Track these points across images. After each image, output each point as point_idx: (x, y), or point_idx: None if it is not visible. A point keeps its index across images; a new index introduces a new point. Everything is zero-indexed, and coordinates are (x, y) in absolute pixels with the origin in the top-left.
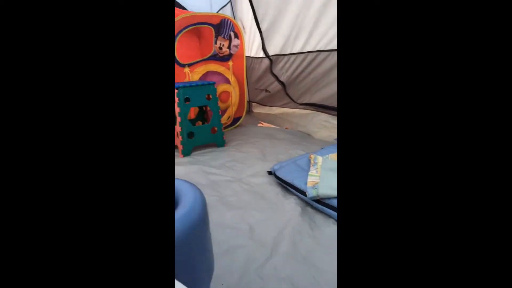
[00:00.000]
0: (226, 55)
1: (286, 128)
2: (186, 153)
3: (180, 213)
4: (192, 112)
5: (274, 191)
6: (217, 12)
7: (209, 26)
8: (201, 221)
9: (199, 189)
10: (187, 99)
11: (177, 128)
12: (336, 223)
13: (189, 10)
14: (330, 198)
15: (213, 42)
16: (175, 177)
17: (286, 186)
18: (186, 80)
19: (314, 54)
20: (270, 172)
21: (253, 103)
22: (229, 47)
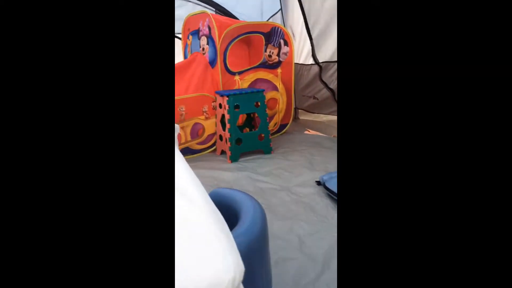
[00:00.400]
0: (275, 63)
1: (334, 136)
2: (234, 159)
3: (241, 229)
4: (240, 119)
5: (323, 202)
6: (268, 20)
7: (259, 35)
8: (262, 236)
9: (258, 203)
10: (236, 106)
11: (226, 134)
12: None
13: (240, 19)
14: None
15: (263, 50)
16: (229, 186)
17: (337, 198)
18: (236, 87)
19: None
20: (318, 183)
21: (299, 110)
22: (278, 55)
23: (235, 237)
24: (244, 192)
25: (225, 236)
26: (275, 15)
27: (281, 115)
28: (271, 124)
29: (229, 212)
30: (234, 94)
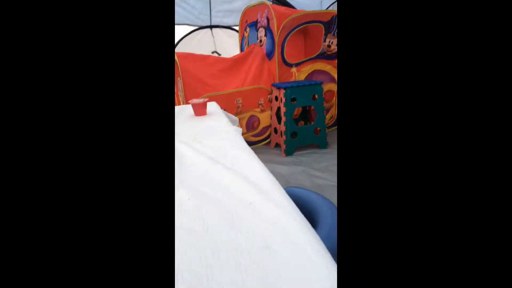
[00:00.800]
0: (334, 53)
1: None
2: (288, 153)
3: (322, 233)
4: (296, 112)
5: None
6: (327, 8)
7: (318, 24)
8: None
9: (334, 205)
10: (293, 99)
11: (281, 127)
12: None
13: (298, 9)
14: None
15: (322, 40)
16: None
17: None
18: (293, 79)
19: None
20: None
21: None
22: (337, 45)
23: None
24: (322, 196)
25: (316, 241)
26: (335, 3)
27: None
28: (327, 117)
29: (304, 213)
30: (291, 87)
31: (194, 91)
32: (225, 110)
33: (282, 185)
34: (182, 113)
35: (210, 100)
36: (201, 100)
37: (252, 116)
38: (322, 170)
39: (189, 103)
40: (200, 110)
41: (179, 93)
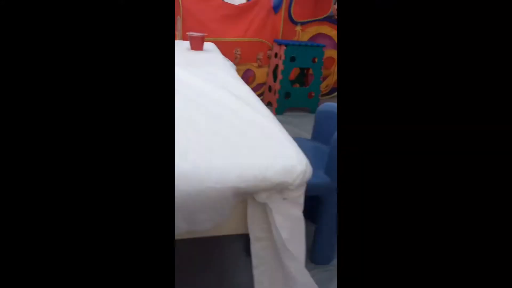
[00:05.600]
0: None
1: None
2: (279, 112)
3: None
4: (292, 74)
5: None
6: None
7: None
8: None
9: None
10: (292, 58)
11: (276, 86)
12: None
13: None
14: None
15: (332, 2)
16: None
17: None
18: (296, 39)
19: None
20: None
21: None
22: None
23: None
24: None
25: (293, 142)
26: None
27: (335, 78)
28: (323, 85)
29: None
30: (293, 45)
31: (193, 28)
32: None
33: None
34: (178, 46)
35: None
36: (199, 34)
37: (248, 70)
38: (309, 132)
39: (186, 35)
40: (197, 44)
41: (177, 33)
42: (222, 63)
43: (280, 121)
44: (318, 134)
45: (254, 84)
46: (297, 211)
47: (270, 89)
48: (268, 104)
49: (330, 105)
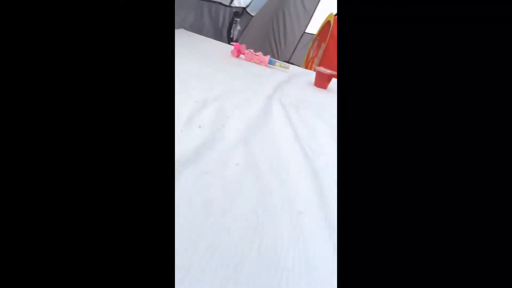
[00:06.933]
0: None
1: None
2: None
3: None
4: None
5: None
6: None
7: None
8: None
9: None
10: None
11: None
12: None
13: None
14: None
15: None
16: None
17: None
18: None
19: None
20: None
21: None
22: None
23: None
24: None
25: None
26: None
27: None
28: None
29: None
30: None
31: (332, 63)
32: None
33: None
34: (301, 77)
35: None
36: (328, 71)
37: None
38: None
39: (314, 69)
40: (321, 81)
41: (315, 59)
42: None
43: None
44: None
45: None
46: None
47: None
48: None
49: None
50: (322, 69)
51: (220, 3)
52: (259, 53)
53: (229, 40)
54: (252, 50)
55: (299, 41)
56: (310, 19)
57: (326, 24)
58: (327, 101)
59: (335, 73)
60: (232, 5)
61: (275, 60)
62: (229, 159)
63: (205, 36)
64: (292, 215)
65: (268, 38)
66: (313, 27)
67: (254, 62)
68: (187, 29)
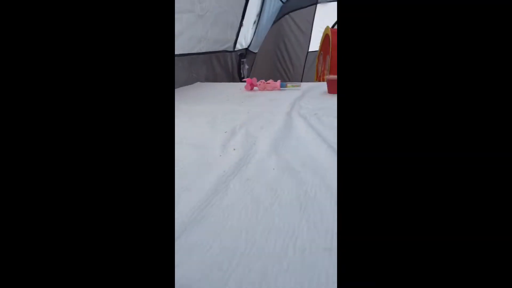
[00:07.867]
0: None
1: None
2: None
3: None
4: None
5: None
6: None
7: None
8: None
9: None
10: None
11: None
12: None
13: None
14: None
15: None
16: None
17: None
18: None
19: None
20: None
21: None
22: None
23: None
24: None
25: None
26: None
27: None
28: None
29: None
30: None
31: None
32: None
33: None
34: (314, 90)
35: None
36: (334, 77)
37: None
38: None
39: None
40: (333, 88)
41: (325, 71)
42: None
43: None
44: None
45: None
46: None
47: None
48: None
49: None
50: (331, 76)
51: (225, 51)
52: (270, 80)
53: (241, 80)
54: (263, 80)
55: (305, 61)
56: (309, 38)
57: (325, 38)
58: None
59: None
60: (235, 49)
61: (286, 82)
62: (266, 166)
63: (219, 82)
64: (332, 197)
65: (276, 67)
66: (315, 44)
67: (268, 89)
68: (202, 81)
